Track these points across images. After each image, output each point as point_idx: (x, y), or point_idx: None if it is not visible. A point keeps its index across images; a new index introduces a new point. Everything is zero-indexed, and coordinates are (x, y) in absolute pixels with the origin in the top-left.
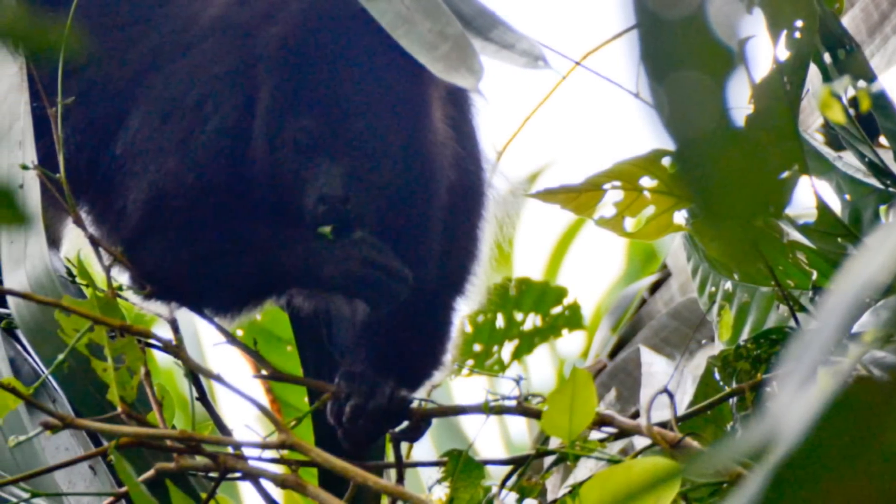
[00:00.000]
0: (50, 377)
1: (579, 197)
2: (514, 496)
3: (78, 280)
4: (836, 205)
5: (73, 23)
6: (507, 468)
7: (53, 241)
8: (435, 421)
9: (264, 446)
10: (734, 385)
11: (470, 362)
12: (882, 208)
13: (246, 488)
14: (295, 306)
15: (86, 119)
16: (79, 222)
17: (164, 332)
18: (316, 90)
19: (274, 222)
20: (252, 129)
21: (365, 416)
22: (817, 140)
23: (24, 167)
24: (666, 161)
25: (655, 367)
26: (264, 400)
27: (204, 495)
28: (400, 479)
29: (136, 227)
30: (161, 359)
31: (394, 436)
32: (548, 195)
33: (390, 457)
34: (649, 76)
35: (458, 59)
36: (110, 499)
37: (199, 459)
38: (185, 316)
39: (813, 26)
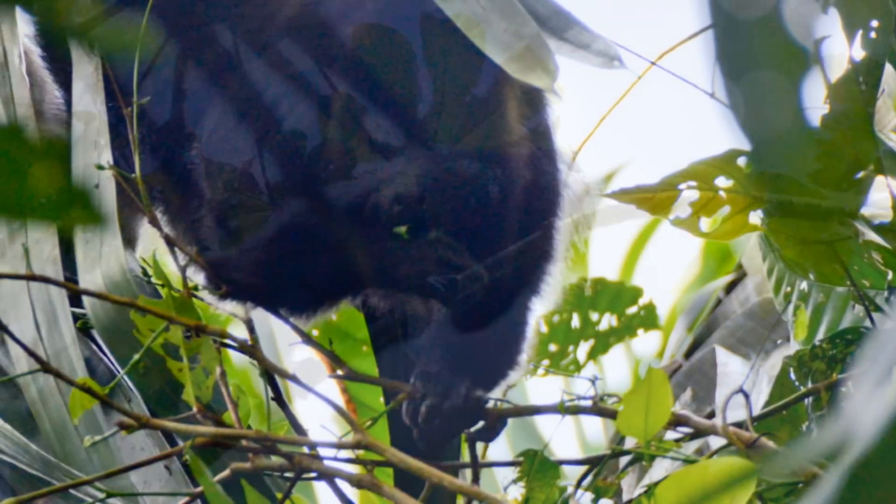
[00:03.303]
0: (125, 377)
1: (655, 197)
2: (589, 496)
3: (153, 280)
4: None
5: (148, 22)
6: (583, 468)
7: (129, 241)
8: (510, 421)
9: (340, 446)
10: (810, 385)
11: (545, 362)
12: None
13: (321, 488)
14: (370, 306)
15: (161, 119)
16: (154, 222)
17: (239, 332)
18: (391, 90)
19: (349, 222)
20: (327, 129)
21: (441, 417)
22: (893, 140)
23: (100, 167)
24: (742, 161)
25: (731, 367)
26: (340, 400)
27: (279, 495)
28: (475, 479)
29: (212, 227)
30: (236, 359)
31: (469, 436)
32: (623, 195)
33: (466, 457)
34: (725, 76)
35: (533, 59)
36: (186, 499)
37: (275, 459)
38: (260, 316)
39: (888, 26)
